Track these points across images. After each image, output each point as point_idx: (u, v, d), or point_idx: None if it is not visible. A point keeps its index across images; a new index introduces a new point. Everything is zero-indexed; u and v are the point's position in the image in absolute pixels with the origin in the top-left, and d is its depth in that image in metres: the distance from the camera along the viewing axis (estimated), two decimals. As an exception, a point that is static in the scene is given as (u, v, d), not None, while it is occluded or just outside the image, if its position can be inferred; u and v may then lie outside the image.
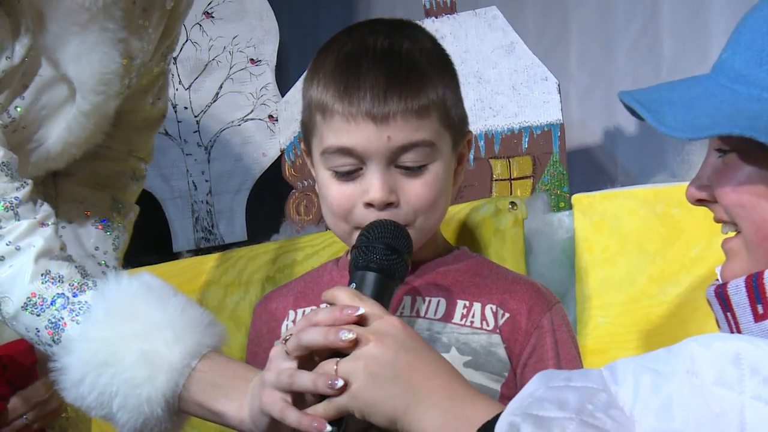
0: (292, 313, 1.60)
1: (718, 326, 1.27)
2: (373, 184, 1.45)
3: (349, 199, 1.47)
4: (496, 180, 2.51)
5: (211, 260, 2.34)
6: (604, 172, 3.01)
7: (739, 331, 1.23)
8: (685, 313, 1.81)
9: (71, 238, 1.85)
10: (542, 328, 1.50)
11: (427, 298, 1.52)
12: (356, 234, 1.46)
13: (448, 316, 1.50)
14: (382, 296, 1.33)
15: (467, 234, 1.99)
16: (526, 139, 2.49)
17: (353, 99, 1.45)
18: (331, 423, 1.25)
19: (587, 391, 1.08)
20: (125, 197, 2.00)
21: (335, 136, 1.46)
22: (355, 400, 1.22)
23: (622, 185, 2.24)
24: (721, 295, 1.24)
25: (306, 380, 1.26)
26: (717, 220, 1.29)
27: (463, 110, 1.55)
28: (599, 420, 1.04)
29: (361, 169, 1.46)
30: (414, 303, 1.51)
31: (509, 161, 2.51)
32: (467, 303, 1.51)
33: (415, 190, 1.46)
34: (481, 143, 2.52)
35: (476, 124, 2.52)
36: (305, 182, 2.69)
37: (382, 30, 1.52)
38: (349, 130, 1.45)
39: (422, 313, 1.51)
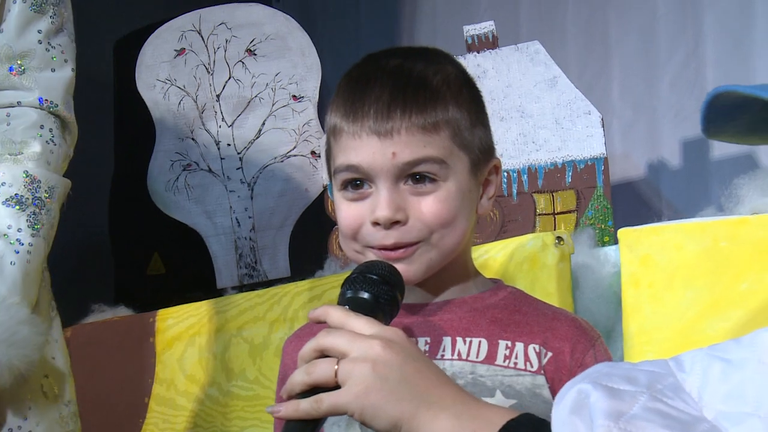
0: None
1: None
2: (379, 202, 1.43)
3: (357, 219, 1.45)
4: (539, 214, 2.50)
5: (256, 297, 2.34)
6: (648, 206, 3.00)
7: None
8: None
9: None
10: (586, 366, 1.45)
11: (468, 339, 1.49)
12: (369, 253, 1.46)
13: (490, 358, 1.47)
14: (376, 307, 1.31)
15: (513, 269, 1.98)
16: (570, 173, 2.48)
17: (357, 116, 1.43)
18: (305, 422, 1.20)
19: (655, 374, 1.05)
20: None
21: (344, 154, 1.45)
22: (357, 401, 1.18)
23: (666, 219, 2.23)
24: None
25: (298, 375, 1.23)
26: None
27: (485, 135, 1.52)
28: (669, 398, 1.02)
29: (370, 187, 1.44)
30: (454, 344, 1.49)
31: (553, 195, 2.50)
32: (509, 343, 1.48)
33: (427, 206, 1.44)
34: (525, 177, 2.51)
35: (519, 159, 2.51)
36: (343, 220, 2.71)
37: (399, 53, 1.52)
38: (355, 148, 1.44)
39: (464, 356, 1.48)
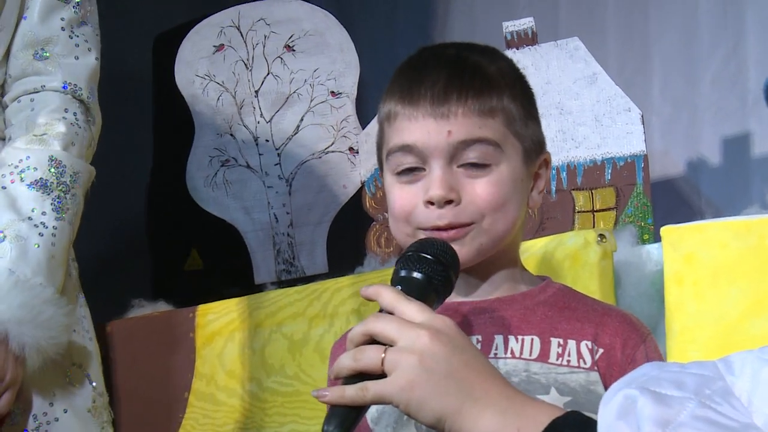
0: None
1: None
2: (433, 180, 1.43)
3: (410, 201, 1.45)
4: (578, 212, 2.49)
5: (295, 293, 2.34)
6: (688, 204, 2.98)
7: None
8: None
9: (5, 203, 1.86)
10: (637, 362, 1.45)
11: (520, 337, 1.48)
12: (420, 236, 1.44)
13: (543, 356, 1.46)
14: (425, 300, 1.28)
15: (554, 266, 1.97)
16: (609, 171, 2.46)
17: (414, 99, 1.44)
18: (350, 408, 1.20)
19: (704, 377, 1.04)
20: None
21: (398, 135, 1.45)
22: (403, 394, 1.16)
23: (707, 217, 2.21)
24: None
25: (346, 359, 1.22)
26: None
27: (537, 130, 1.52)
28: (718, 404, 1.00)
29: (424, 170, 1.44)
30: (507, 342, 1.48)
31: (592, 193, 2.48)
32: (561, 341, 1.47)
33: (481, 188, 1.43)
34: (564, 175, 2.50)
35: (558, 156, 2.50)
36: (386, 214, 2.69)
37: (454, 45, 1.53)
38: (410, 128, 1.44)
39: (517, 354, 1.47)
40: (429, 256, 1.31)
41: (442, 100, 1.43)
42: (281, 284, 2.70)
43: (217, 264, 2.98)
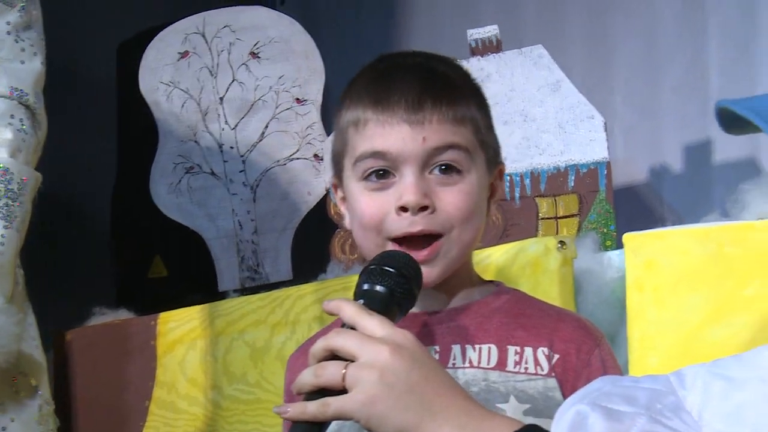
0: None
1: None
2: (407, 187, 1.41)
3: (381, 209, 1.43)
4: (542, 218, 2.48)
5: (257, 300, 2.33)
6: (650, 211, 2.98)
7: None
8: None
9: None
10: (592, 366, 1.46)
11: (477, 346, 1.47)
12: (389, 247, 1.43)
13: (501, 364, 1.46)
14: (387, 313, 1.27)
15: (515, 273, 1.96)
16: (572, 178, 2.46)
17: (387, 106, 1.42)
18: (312, 424, 1.19)
19: (656, 392, 1.04)
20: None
21: (369, 141, 1.43)
22: (363, 409, 1.16)
23: (668, 224, 2.21)
24: None
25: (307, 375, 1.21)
26: None
27: (496, 140, 1.53)
28: (668, 418, 1.01)
29: (394, 177, 1.43)
30: (464, 352, 1.47)
31: (555, 200, 2.48)
32: (518, 348, 1.46)
33: (452, 197, 1.42)
34: (527, 182, 2.49)
35: (522, 163, 2.49)
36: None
37: (416, 54, 1.52)
38: (383, 135, 1.42)
39: (475, 363, 1.46)
40: (391, 270, 1.30)
41: (417, 108, 1.42)
42: (245, 291, 2.68)
43: (181, 271, 2.96)
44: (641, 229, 1.97)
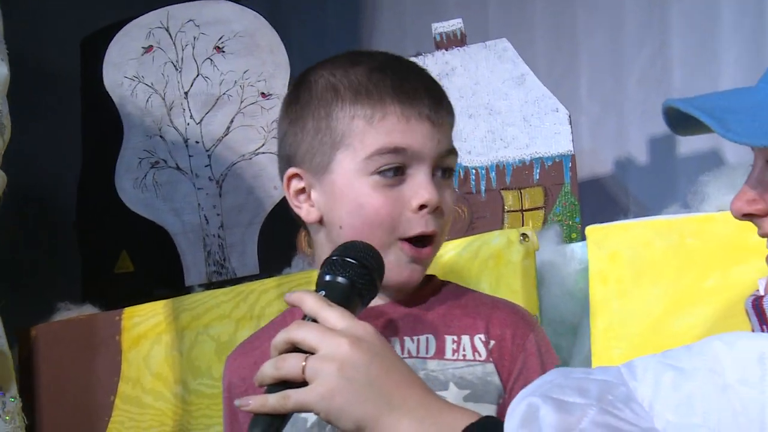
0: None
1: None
2: (425, 185, 1.42)
3: (395, 206, 1.43)
4: (507, 211, 2.48)
5: (222, 294, 2.32)
6: (615, 203, 2.99)
7: None
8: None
9: None
10: (527, 351, 1.48)
11: (416, 337, 1.49)
12: (399, 245, 1.44)
13: (439, 353, 1.47)
14: (348, 305, 1.28)
15: (478, 265, 1.97)
16: (537, 171, 2.46)
17: (412, 101, 1.43)
18: (273, 416, 1.20)
19: (607, 383, 1.05)
20: None
21: (389, 136, 1.43)
22: (323, 402, 1.16)
23: (633, 215, 2.22)
24: (758, 307, 1.24)
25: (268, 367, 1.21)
26: (763, 235, 1.27)
27: None
28: (619, 409, 1.02)
29: (404, 174, 1.43)
30: (403, 343, 1.48)
31: (521, 192, 2.48)
32: (455, 337, 1.48)
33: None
34: (493, 175, 2.49)
35: (487, 156, 2.50)
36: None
37: (403, 59, 1.53)
38: (405, 130, 1.42)
39: (414, 353, 1.48)
40: (353, 260, 1.30)
41: (439, 107, 1.45)
42: (212, 286, 2.67)
43: (148, 266, 2.94)
44: (607, 221, 1.98)
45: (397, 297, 1.51)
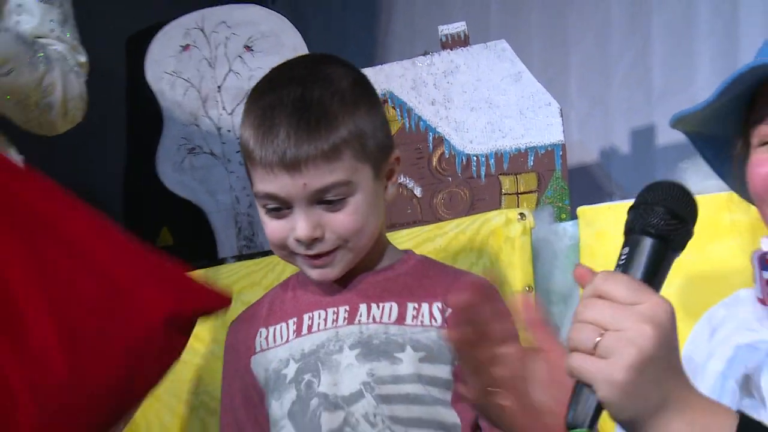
0: (263, 330, 1.61)
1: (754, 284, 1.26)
2: (298, 224, 1.45)
3: (281, 234, 1.48)
4: (504, 194, 2.48)
5: (252, 264, 2.32)
6: (600, 188, 2.99)
7: None
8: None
9: None
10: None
11: (381, 304, 1.51)
12: (297, 258, 1.47)
13: (400, 319, 1.49)
14: (658, 266, 1.03)
15: (480, 241, 1.96)
16: (532, 158, 2.46)
17: (268, 148, 1.43)
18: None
19: None
20: None
21: (261, 183, 1.46)
22: (606, 386, 0.97)
23: (616, 199, 2.22)
24: (762, 261, 1.22)
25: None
26: None
27: (383, 136, 1.51)
28: None
29: (290, 208, 1.45)
30: (369, 310, 1.51)
31: (516, 177, 2.47)
32: (416, 305, 1.50)
33: (340, 222, 1.45)
34: (492, 161, 2.49)
35: (487, 145, 2.49)
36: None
37: (299, 77, 1.48)
38: (269, 180, 1.44)
39: (378, 319, 1.50)
40: (661, 208, 1.05)
41: (294, 155, 1.42)
42: (242, 258, 2.68)
43: (185, 240, 2.95)
44: (592, 203, 1.97)
45: (369, 268, 1.54)
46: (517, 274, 1.85)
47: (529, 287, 1.85)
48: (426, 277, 1.53)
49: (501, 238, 1.93)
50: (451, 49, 2.57)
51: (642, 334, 0.95)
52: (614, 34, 3.07)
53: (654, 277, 1.02)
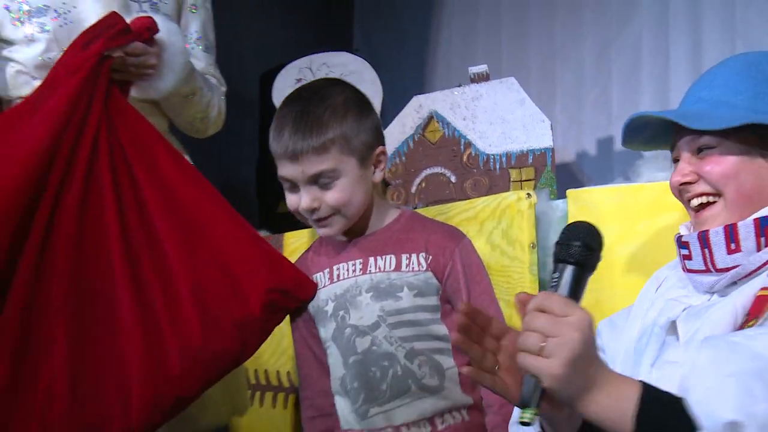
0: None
1: (688, 260, 1.17)
2: (302, 198, 1.40)
3: (293, 204, 1.43)
4: (512, 181, 2.42)
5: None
6: (576, 178, 2.94)
7: (713, 262, 1.13)
8: (629, 266, 1.71)
9: None
10: (453, 258, 1.42)
11: (383, 257, 1.44)
12: (308, 219, 1.42)
13: (398, 267, 1.42)
14: (579, 284, 0.98)
15: (500, 213, 1.91)
16: (531, 157, 2.40)
17: (279, 145, 1.40)
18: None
19: None
20: None
21: (279, 169, 1.42)
22: (551, 378, 0.93)
23: (588, 185, 2.17)
24: (703, 237, 1.14)
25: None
26: (697, 195, 1.18)
27: (368, 137, 1.43)
28: None
29: (297, 186, 1.41)
30: (376, 262, 1.44)
31: (520, 170, 2.42)
32: (407, 255, 1.43)
33: (330, 197, 1.39)
34: (503, 159, 2.43)
35: (500, 148, 2.43)
36: (396, 182, 2.63)
37: (304, 96, 1.44)
38: (282, 167, 1.40)
39: (382, 268, 1.43)
40: (577, 243, 0.99)
41: (294, 150, 1.38)
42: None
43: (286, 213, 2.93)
44: (570, 188, 1.93)
45: (371, 229, 1.46)
46: (525, 236, 1.79)
47: (533, 244, 1.78)
48: (413, 231, 1.46)
49: (514, 210, 1.87)
50: (477, 83, 2.52)
51: (573, 339, 0.92)
52: (586, 74, 3.03)
53: (576, 293, 0.98)
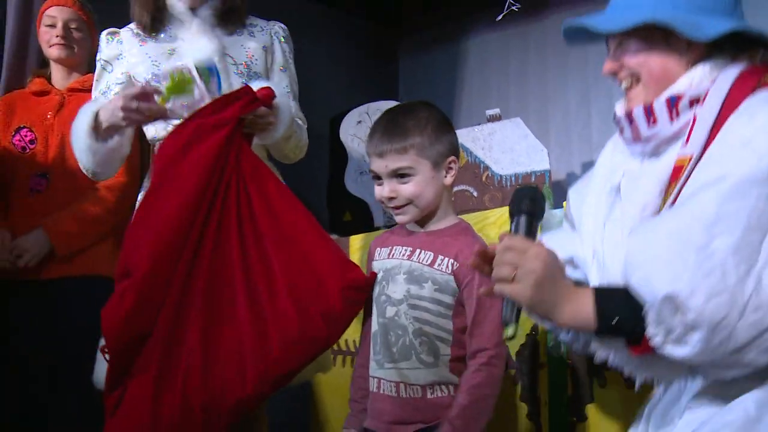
0: (379, 249, 1.44)
1: (622, 133, 1.08)
2: (384, 188, 1.32)
3: (379, 194, 1.35)
4: (519, 195, 2.32)
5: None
6: (566, 192, 2.81)
7: (639, 135, 1.04)
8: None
9: None
10: (474, 274, 1.30)
11: (426, 252, 1.34)
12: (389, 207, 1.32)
13: (432, 264, 1.33)
14: (531, 228, 0.99)
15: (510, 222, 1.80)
16: (534, 177, 2.30)
17: (372, 148, 1.33)
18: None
19: None
20: None
21: (371, 163, 1.35)
22: (524, 298, 0.91)
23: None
24: (629, 115, 1.06)
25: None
26: (624, 78, 1.08)
27: (443, 147, 1.34)
28: None
29: (381, 179, 1.33)
30: (420, 254, 1.34)
31: (525, 187, 2.31)
32: (442, 257, 1.32)
33: (405, 189, 1.32)
34: (513, 179, 2.34)
35: (510, 170, 2.32)
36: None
37: (397, 110, 1.36)
38: (372, 162, 1.33)
39: (423, 262, 1.34)
40: (527, 200, 1.01)
41: (381, 150, 1.31)
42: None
43: (358, 217, 2.86)
44: (563, 201, 1.81)
45: (426, 229, 1.38)
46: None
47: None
48: (456, 240, 1.37)
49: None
50: (492, 122, 2.42)
51: (535, 267, 0.91)
52: (571, 112, 2.90)
53: (531, 235, 0.98)
